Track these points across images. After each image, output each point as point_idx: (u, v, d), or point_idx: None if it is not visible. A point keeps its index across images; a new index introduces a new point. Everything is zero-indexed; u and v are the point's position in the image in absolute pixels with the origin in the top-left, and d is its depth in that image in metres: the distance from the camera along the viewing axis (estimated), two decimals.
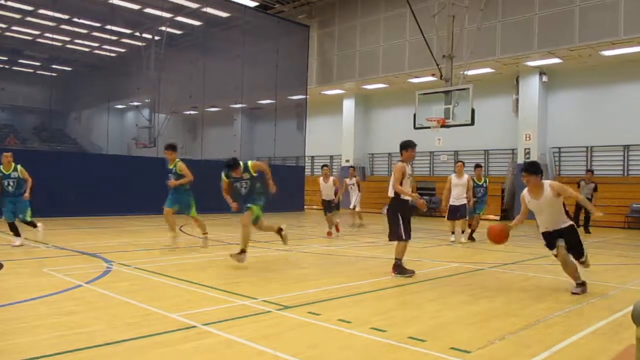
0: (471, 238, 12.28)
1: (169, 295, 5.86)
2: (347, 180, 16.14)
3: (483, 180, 12.68)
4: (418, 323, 4.87)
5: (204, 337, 4.25)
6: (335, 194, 13.07)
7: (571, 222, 6.44)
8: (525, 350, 4.09)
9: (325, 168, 13.57)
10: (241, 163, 8.24)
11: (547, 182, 6.38)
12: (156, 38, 28.09)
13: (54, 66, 35.80)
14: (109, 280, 6.52)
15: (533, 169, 6.39)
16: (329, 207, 13.05)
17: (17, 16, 25.87)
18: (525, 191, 6.56)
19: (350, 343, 4.21)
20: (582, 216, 15.60)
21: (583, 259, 6.50)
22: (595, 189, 15.29)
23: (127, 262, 7.88)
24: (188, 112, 29.68)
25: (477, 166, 12.94)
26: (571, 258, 6.44)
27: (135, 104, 31.99)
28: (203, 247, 9.92)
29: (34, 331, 4.31)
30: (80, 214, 16.13)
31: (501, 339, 4.39)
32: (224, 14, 24.10)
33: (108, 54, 32.08)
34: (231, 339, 4.20)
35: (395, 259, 7.44)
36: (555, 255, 6.44)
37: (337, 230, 13.04)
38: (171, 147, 10.06)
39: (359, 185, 16.08)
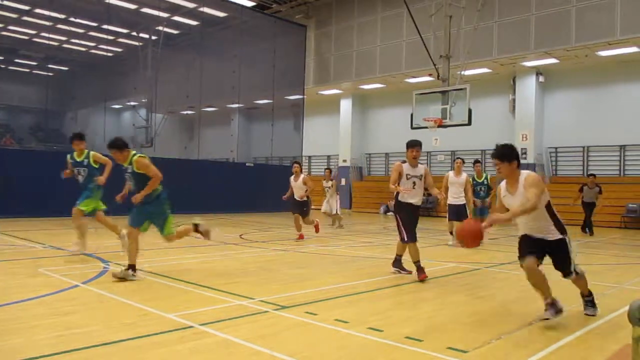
0: None
1: (165, 295, 5.86)
2: (324, 183, 15.85)
3: (484, 177, 12.08)
4: (415, 323, 4.87)
5: (200, 337, 4.25)
6: (307, 193, 11.98)
7: (562, 236, 4.95)
8: (521, 350, 4.10)
9: (296, 165, 12.36)
10: (131, 152, 6.97)
11: (524, 173, 4.95)
12: (153, 38, 28.06)
13: (50, 66, 35.74)
14: (106, 281, 6.51)
15: (502, 153, 5.01)
16: (300, 208, 11.98)
17: (14, 15, 25.80)
18: (503, 182, 5.19)
19: (347, 343, 4.22)
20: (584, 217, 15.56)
21: (572, 277, 5.13)
22: (600, 192, 15.12)
23: (124, 263, 7.86)
24: (185, 112, 29.65)
25: (476, 162, 12.29)
26: (542, 268, 5.02)
27: (132, 103, 31.95)
28: (75, 253, 8.32)
29: (32, 331, 4.30)
30: None
31: (498, 338, 4.40)
32: (221, 14, 24.09)
33: (105, 53, 32.13)
34: (228, 339, 4.20)
35: (397, 255, 7.51)
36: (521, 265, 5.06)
37: (301, 237, 11.88)
38: (78, 137, 8.41)
39: (336, 188, 15.81)
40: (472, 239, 5.00)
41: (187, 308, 5.15)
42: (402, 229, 7.21)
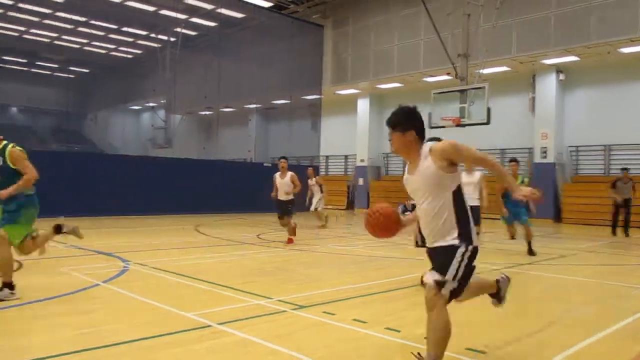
0: (531, 252, 9.86)
1: (184, 294, 5.90)
2: (309, 181, 15.71)
3: (520, 179, 10.50)
4: None
5: (219, 336, 4.27)
6: (293, 192, 10.89)
7: (457, 242, 3.43)
8: (542, 351, 4.04)
9: (282, 161, 11.06)
10: (3, 141, 5.67)
11: (427, 145, 3.55)
12: (171, 39, 28.31)
13: (71, 68, 36.35)
14: (126, 280, 6.58)
15: (394, 120, 3.63)
16: (285, 209, 10.84)
17: (35, 19, 26.22)
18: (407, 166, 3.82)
19: (365, 343, 4.20)
20: (621, 217, 14.63)
21: (438, 289, 3.42)
22: (633, 188, 14.36)
23: (144, 262, 7.94)
24: (203, 113, 29.88)
25: (512, 161, 10.58)
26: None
27: (151, 104, 32.32)
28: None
29: (53, 329, 4.36)
30: (97, 214, 16.28)
31: (517, 340, 4.35)
32: (239, 15, 24.22)
33: (124, 55, 32.52)
34: (246, 338, 4.21)
35: None
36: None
37: (290, 241, 10.89)
38: None
39: (321, 186, 15.73)
40: (385, 229, 3.81)
41: (205, 307, 5.18)
42: (418, 233, 6.68)
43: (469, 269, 3.48)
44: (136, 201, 17.25)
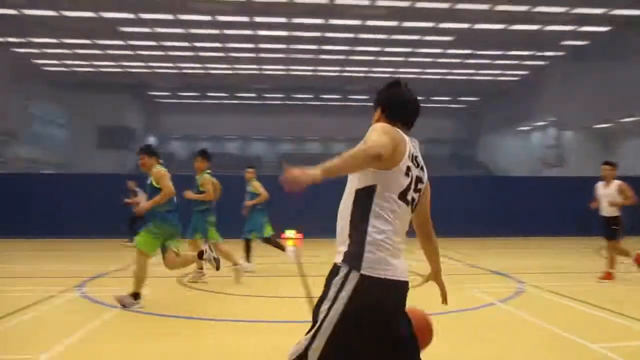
0: None
1: (584, 322, 5.46)
2: None
3: None
4: None
5: None
6: (619, 204, 8.23)
7: (340, 263, 2.26)
8: None
9: (605, 167, 8.52)
10: (155, 163, 6.21)
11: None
12: (559, 54, 27.26)
13: (460, 98, 38.95)
14: (521, 301, 6.50)
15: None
16: (607, 229, 8.33)
17: (428, 60, 29.11)
18: None
19: None
20: None
21: None
22: None
23: (539, 284, 7.69)
24: (599, 126, 27.31)
25: None
26: None
27: (540, 123, 31.59)
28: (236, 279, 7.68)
29: (453, 339, 4.64)
30: (514, 234, 16.18)
31: None
32: (636, 12, 21.40)
33: (510, 78, 32.90)
34: None
35: None
36: None
37: (608, 277, 8.12)
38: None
39: None
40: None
41: (613, 340, 4.70)
42: None
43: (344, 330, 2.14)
44: (534, 221, 16.68)
